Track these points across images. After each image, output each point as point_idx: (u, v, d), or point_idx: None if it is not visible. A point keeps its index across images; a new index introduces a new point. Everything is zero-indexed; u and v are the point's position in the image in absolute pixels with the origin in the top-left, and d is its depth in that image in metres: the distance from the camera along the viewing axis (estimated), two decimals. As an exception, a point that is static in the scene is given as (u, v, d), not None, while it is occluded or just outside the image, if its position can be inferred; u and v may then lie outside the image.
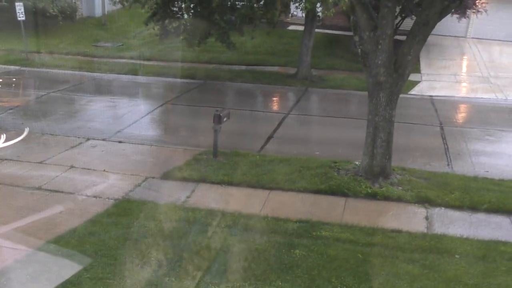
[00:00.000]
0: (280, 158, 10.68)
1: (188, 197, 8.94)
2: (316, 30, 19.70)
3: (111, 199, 8.75)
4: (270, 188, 9.31)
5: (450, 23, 20.84)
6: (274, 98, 17.76)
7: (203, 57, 21.69)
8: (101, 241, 7.19)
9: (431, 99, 16.87)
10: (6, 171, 9.84)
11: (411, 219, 8.39)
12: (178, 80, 18.82)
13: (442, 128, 13.60)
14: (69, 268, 6.50)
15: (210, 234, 7.50)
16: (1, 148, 11.02)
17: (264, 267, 6.69)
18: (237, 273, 6.53)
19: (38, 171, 9.84)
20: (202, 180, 9.57)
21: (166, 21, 17.75)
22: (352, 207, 8.72)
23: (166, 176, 9.75)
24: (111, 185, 9.37)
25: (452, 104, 16.68)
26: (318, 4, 17.33)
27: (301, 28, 20.00)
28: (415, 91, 17.77)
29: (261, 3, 17.28)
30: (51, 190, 9.01)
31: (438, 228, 8.03)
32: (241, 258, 6.88)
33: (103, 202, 8.63)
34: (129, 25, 27.35)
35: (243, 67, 20.90)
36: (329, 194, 9.13)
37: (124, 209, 8.32)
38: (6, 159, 10.40)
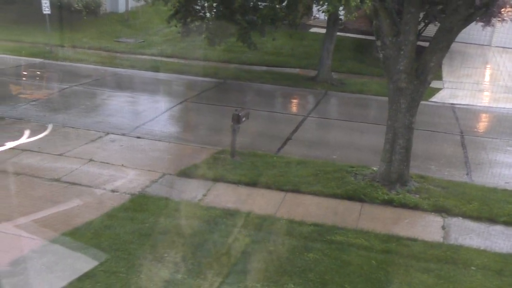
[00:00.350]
0: (297, 161, 10.66)
1: (204, 195, 8.97)
2: (338, 33, 19.63)
3: (128, 193, 8.82)
4: (286, 190, 9.29)
5: (474, 31, 20.55)
6: (294, 100, 17.73)
7: (224, 57, 21.75)
8: (116, 235, 7.25)
9: (452, 107, 16.68)
10: (27, 161, 9.98)
11: (427, 227, 8.30)
12: (198, 78, 18.90)
13: (462, 137, 13.43)
14: (83, 260, 6.57)
15: (224, 233, 7.51)
16: (25, 143, 11.19)
17: (276, 269, 6.68)
18: (249, 273, 6.54)
19: (57, 163, 9.97)
20: (219, 179, 9.59)
21: (188, 19, 17.85)
22: (368, 213, 8.65)
23: (183, 173, 9.79)
24: (128, 180, 9.45)
25: (473, 113, 16.47)
26: (341, 7, 17.25)
27: (323, 31, 19.96)
28: (436, 98, 17.58)
29: (284, 4, 17.29)
30: (69, 183, 9.12)
31: (455, 239, 7.93)
32: (254, 259, 6.88)
33: (120, 196, 8.70)
34: (151, 22, 27.58)
35: (263, 68, 20.91)
36: (345, 199, 9.07)
37: (140, 204, 8.38)
38: (27, 150, 10.56)
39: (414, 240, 7.73)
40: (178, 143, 11.84)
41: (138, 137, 11.86)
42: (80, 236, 7.20)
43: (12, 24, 25.27)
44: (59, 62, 20.41)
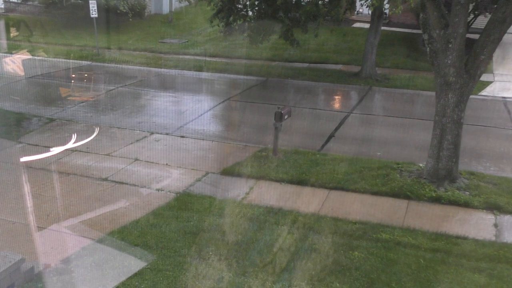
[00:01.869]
0: (341, 158, 10.51)
1: (247, 193, 8.99)
2: (382, 28, 19.21)
3: (173, 192, 8.95)
4: (330, 188, 9.19)
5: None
6: (337, 97, 17.50)
7: (266, 55, 21.73)
8: (162, 233, 7.37)
9: (504, 101, 16.01)
10: (76, 162, 10.30)
11: (478, 225, 8.00)
12: (241, 76, 18.97)
13: (515, 132, 12.88)
14: (130, 259, 6.72)
15: (267, 232, 7.50)
16: (74, 144, 11.55)
17: (321, 267, 6.60)
18: (293, 272, 6.50)
19: (105, 163, 10.24)
20: (262, 177, 9.59)
21: (231, 18, 17.94)
22: (414, 211, 8.43)
23: (226, 171, 9.85)
24: (173, 178, 9.59)
25: (526, 106, 15.77)
26: (386, 1, 16.89)
27: (366, 25, 19.62)
28: (486, 92, 16.93)
29: (326, 0, 17.09)
30: (116, 182, 9.35)
31: (508, 237, 7.61)
32: (298, 257, 6.83)
33: (165, 195, 8.85)
34: (195, 22, 27.95)
35: (306, 65, 20.75)
36: (390, 196, 8.88)
37: (184, 203, 8.49)
38: (76, 151, 10.90)
39: (465, 238, 7.48)
40: (221, 142, 11.92)
41: (182, 136, 12.01)
42: (128, 234, 7.36)
43: (62, 28, 26.20)
44: (106, 64, 20.97)
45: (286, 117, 10.54)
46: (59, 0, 28.92)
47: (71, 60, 20.96)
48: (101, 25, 23.01)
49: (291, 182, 9.42)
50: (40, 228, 7.58)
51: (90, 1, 21.13)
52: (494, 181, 9.43)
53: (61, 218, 7.88)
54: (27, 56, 21.71)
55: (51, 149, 10.86)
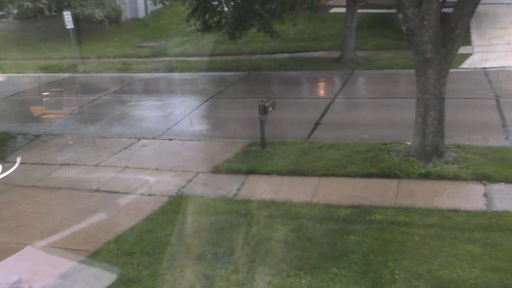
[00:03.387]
0: (328, 144, 10.56)
1: (238, 189, 9.02)
2: (359, 10, 19.25)
3: (165, 196, 8.96)
4: (320, 175, 9.24)
5: (501, -11, 19.81)
6: (320, 84, 17.56)
7: (246, 49, 21.71)
8: (158, 238, 7.38)
9: (485, 71, 16.14)
10: (65, 175, 10.27)
11: (468, 197, 8.10)
12: (223, 73, 18.97)
13: (498, 101, 12.98)
14: (128, 266, 6.71)
15: (262, 225, 7.54)
16: (61, 157, 11.49)
17: (318, 254, 6.66)
18: (291, 262, 6.54)
19: (95, 174, 10.21)
20: (252, 171, 9.62)
21: (207, 16, 17.89)
22: (405, 189, 8.51)
23: (216, 170, 9.87)
24: (164, 182, 9.60)
25: (507, 74, 15.91)
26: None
27: (344, 10, 19.61)
28: (466, 64, 17.04)
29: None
30: (108, 191, 9.34)
31: (499, 205, 7.72)
32: (295, 247, 6.88)
33: (158, 199, 8.85)
34: (172, 23, 27.83)
35: (286, 55, 20.77)
36: (380, 177, 8.95)
37: (178, 205, 8.50)
38: (64, 164, 10.86)
39: (456, 211, 7.57)
40: (208, 141, 11.93)
41: (170, 139, 12.00)
42: (123, 242, 7.36)
43: (38, 42, 25.97)
44: (86, 75, 20.86)
45: (270, 109, 10.56)
46: (33, 15, 28.67)
47: (51, 74, 20.82)
48: (78, 36, 22.82)
49: (281, 173, 9.46)
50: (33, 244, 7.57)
51: (64, 13, 20.95)
52: (481, 151, 9.54)
53: (55, 233, 7.86)
54: (3, 74, 21.60)
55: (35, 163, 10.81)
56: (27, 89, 18.66)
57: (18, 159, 10.87)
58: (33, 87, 19.11)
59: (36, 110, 15.88)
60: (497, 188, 8.26)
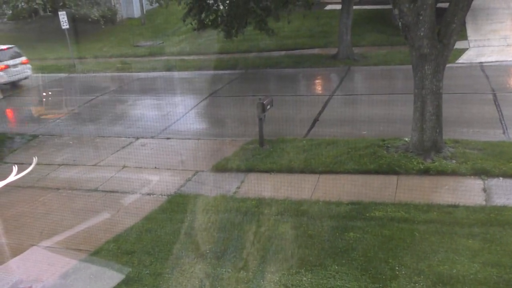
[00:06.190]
0: (327, 141, 10.57)
1: (238, 187, 9.02)
2: (354, 7, 19.26)
3: (164, 195, 8.95)
4: (320, 172, 9.25)
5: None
6: (317, 81, 17.56)
7: (242, 47, 21.68)
8: (158, 237, 7.38)
9: (481, 66, 16.17)
10: (64, 175, 10.25)
11: (467, 192, 8.11)
12: (220, 72, 18.95)
13: (495, 95, 13.02)
14: (128, 265, 6.71)
15: (262, 222, 7.54)
16: (60, 157, 11.46)
17: (319, 252, 6.66)
18: (292, 259, 6.54)
19: (93, 174, 10.20)
20: (250, 169, 9.62)
21: (203, 15, 17.86)
22: (404, 185, 8.52)
23: (215, 168, 9.87)
24: (163, 181, 9.59)
25: (504, 69, 15.93)
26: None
27: (339, 6, 19.60)
28: (463, 59, 17.08)
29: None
30: (107, 191, 9.33)
31: (498, 200, 7.73)
32: (295, 244, 6.88)
33: (157, 198, 8.85)
34: (168, 22, 27.78)
35: (283, 53, 20.76)
36: (380, 174, 8.97)
37: (177, 204, 8.50)
38: (63, 164, 10.84)
39: (456, 206, 7.58)
40: (207, 139, 11.92)
41: (168, 138, 12.00)
42: (124, 242, 7.36)
43: (35, 43, 25.89)
44: (83, 74, 20.81)
45: (268, 107, 10.56)
46: (28, 15, 28.59)
47: (48, 74, 20.76)
48: (74, 36, 22.75)
49: (280, 171, 9.47)
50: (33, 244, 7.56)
51: (59, 13, 20.88)
52: (479, 146, 9.56)
53: (55, 234, 7.84)
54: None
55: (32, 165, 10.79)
56: (24, 90, 18.59)
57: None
58: (30, 87, 19.02)
59: (33, 110, 15.85)
60: (496, 183, 8.28)
